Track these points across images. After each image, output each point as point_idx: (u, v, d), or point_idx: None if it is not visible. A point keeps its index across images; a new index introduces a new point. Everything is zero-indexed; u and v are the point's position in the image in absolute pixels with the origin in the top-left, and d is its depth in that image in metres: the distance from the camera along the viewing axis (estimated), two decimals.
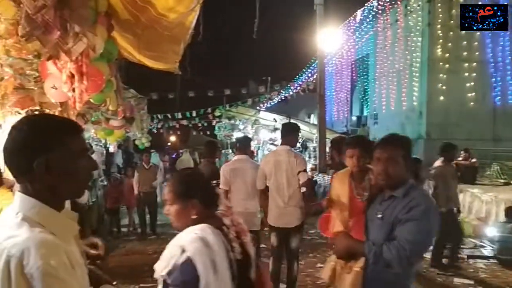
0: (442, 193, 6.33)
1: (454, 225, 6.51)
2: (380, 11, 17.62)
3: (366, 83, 21.01)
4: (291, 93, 22.38)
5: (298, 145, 15.68)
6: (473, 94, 15.30)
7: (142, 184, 8.89)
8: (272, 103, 25.17)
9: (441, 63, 15.21)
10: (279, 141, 6.32)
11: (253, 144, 15.03)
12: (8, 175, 3.01)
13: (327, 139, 12.36)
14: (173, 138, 30.77)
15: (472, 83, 15.28)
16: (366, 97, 21.09)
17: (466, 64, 15.33)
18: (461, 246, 7.28)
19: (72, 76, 3.19)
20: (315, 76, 17.30)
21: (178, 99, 22.54)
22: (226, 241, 1.88)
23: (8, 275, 1.09)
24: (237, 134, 19.97)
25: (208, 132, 26.80)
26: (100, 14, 3.72)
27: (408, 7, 16.36)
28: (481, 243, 7.59)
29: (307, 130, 16.69)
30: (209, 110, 21.82)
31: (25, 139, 1.23)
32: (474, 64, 15.36)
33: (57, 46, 2.67)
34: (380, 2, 17.18)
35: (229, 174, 5.15)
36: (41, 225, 1.19)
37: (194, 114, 22.51)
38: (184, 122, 23.66)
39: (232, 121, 21.61)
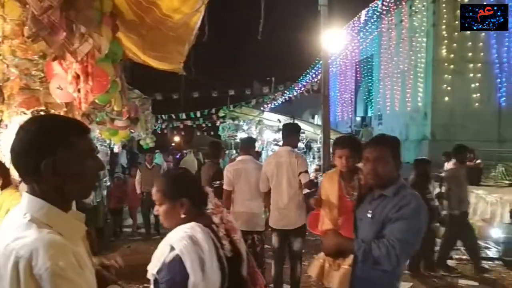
0: (455, 195, 6.26)
1: (467, 227, 6.43)
2: (384, 12, 17.60)
3: (370, 84, 20.98)
4: (295, 93, 22.35)
5: (302, 145, 15.67)
6: (478, 95, 15.26)
7: (144, 184, 8.89)
8: (276, 104, 25.17)
9: (446, 64, 15.17)
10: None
11: (257, 145, 15.01)
12: (14, 175, 3.03)
13: (331, 140, 12.35)
14: (177, 139, 30.79)
15: (477, 84, 15.23)
16: (371, 97, 21.07)
17: (471, 65, 15.28)
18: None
19: (78, 76, 3.20)
20: (319, 77, 17.27)
21: (182, 99, 22.56)
22: (216, 239, 1.90)
23: (17, 276, 1.09)
24: (241, 135, 19.97)
25: (212, 133, 26.82)
26: (105, 15, 3.73)
27: (413, 8, 16.34)
28: (486, 244, 7.55)
29: (311, 130, 16.68)
30: (213, 110, 21.85)
31: (32, 140, 1.23)
32: (479, 65, 15.31)
33: (63, 47, 2.68)
34: (384, 3, 17.15)
35: (233, 175, 5.15)
36: (48, 226, 1.19)
37: (198, 114, 22.54)
38: (188, 123, 23.70)
39: (236, 122, 21.62)
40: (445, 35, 14.94)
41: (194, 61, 5.77)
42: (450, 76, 15.13)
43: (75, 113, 4.01)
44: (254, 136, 16.50)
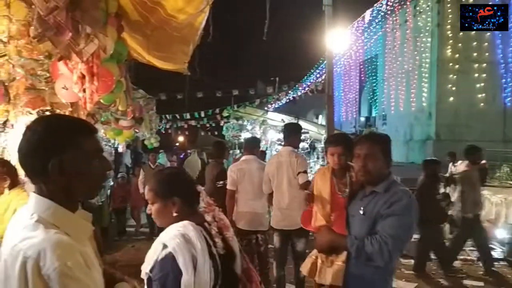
0: (469, 198, 6.17)
1: (480, 230, 6.34)
2: (389, 12, 17.57)
3: (374, 84, 20.94)
4: (299, 93, 22.34)
5: (307, 146, 15.65)
6: (483, 95, 15.20)
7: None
8: (280, 104, 25.18)
9: (450, 64, 15.13)
10: None
11: (261, 145, 15.00)
12: (22, 174, 3.05)
13: None
14: (181, 138, 30.85)
15: (482, 84, 15.18)
16: (375, 98, 21.02)
17: (476, 65, 15.23)
18: (472, 249, 7.23)
19: (83, 76, 3.22)
20: (323, 77, 17.26)
21: (186, 99, 22.60)
22: (208, 237, 1.92)
23: (25, 277, 1.10)
24: (245, 135, 19.97)
25: (216, 133, 26.85)
26: (110, 15, 3.74)
27: (417, 8, 16.30)
28: (491, 245, 7.52)
29: (315, 130, 16.65)
30: (217, 110, 21.87)
31: (39, 141, 1.23)
32: (484, 65, 15.26)
33: (69, 47, 2.70)
34: (389, 3, 17.12)
35: (236, 175, 5.15)
36: (55, 226, 1.19)
37: (202, 114, 22.58)
38: (193, 123, 23.74)
39: (240, 122, 21.63)
40: (450, 35, 14.89)
41: (199, 61, 5.79)
42: (455, 76, 15.09)
43: (80, 113, 4.02)
44: (258, 136, 16.50)
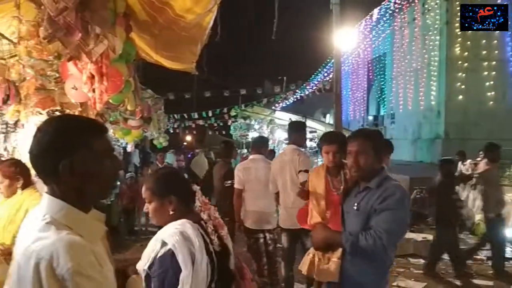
0: (492, 197, 6.04)
1: (501, 230, 6.21)
2: (397, 10, 17.47)
3: (383, 82, 20.84)
4: (306, 92, 22.30)
5: (314, 144, 15.63)
6: (493, 93, 15.08)
7: None
8: (288, 103, 25.16)
9: (459, 62, 15.02)
10: None
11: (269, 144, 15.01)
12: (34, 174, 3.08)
13: None
14: (189, 138, 30.95)
15: (492, 82, 15.06)
16: (383, 96, 20.92)
17: (485, 63, 15.11)
18: (481, 248, 7.18)
19: (92, 77, 3.23)
20: (331, 76, 17.22)
21: (194, 99, 22.65)
22: (205, 234, 1.99)
23: (38, 278, 1.10)
24: (252, 134, 20.00)
25: (223, 132, 26.90)
26: (118, 15, 3.76)
27: (426, 6, 16.20)
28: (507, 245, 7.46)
29: (323, 129, 16.62)
30: (225, 110, 21.90)
31: (49, 141, 1.23)
32: (494, 63, 15.14)
33: (79, 48, 2.72)
34: (397, 1, 17.03)
35: (243, 174, 5.16)
36: (68, 227, 1.19)
37: (210, 114, 22.62)
38: (200, 122, 23.80)
39: (248, 121, 21.65)
40: (459, 33, 14.77)
41: (206, 60, 5.79)
42: (464, 74, 14.98)
43: (89, 113, 4.05)
44: (265, 135, 16.50)
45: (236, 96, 22.95)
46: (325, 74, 21.07)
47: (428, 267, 6.16)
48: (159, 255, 1.88)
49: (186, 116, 23.39)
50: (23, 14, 3.78)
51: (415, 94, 16.91)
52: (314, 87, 21.81)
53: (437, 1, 15.51)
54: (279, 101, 25.06)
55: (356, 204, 2.59)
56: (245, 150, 18.59)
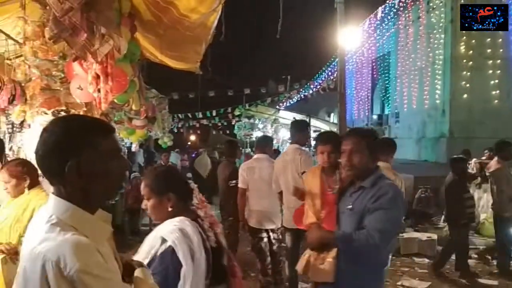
0: (507, 195, 5.90)
1: (510, 230, 6.07)
2: (401, 8, 17.41)
3: (387, 81, 20.79)
4: (311, 91, 22.26)
5: None
6: (497, 91, 15.00)
7: None
8: (292, 102, 25.14)
9: (464, 61, 14.94)
10: None
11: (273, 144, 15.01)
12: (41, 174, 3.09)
13: None
14: (193, 138, 30.99)
15: (496, 81, 14.98)
16: (387, 95, 20.86)
17: (490, 62, 15.02)
18: (486, 247, 7.16)
19: (98, 76, 3.25)
20: (335, 75, 17.19)
21: (199, 98, 22.66)
22: (202, 231, 2.03)
23: (46, 279, 1.10)
24: (256, 133, 20.00)
25: (227, 131, 26.93)
26: (123, 16, 3.78)
27: (431, 4, 16.13)
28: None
29: (328, 129, 16.60)
30: (229, 109, 21.90)
31: (56, 142, 1.22)
32: (498, 61, 15.05)
33: (84, 48, 2.73)
34: None
35: (247, 173, 5.17)
36: (74, 228, 1.18)
37: (214, 113, 22.64)
38: (204, 122, 23.82)
39: (252, 120, 21.66)
40: (463, 31, 14.70)
41: (211, 60, 5.80)
42: (468, 73, 14.91)
43: (94, 113, 4.07)
44: (269, 135, 16.50)
45: (240, 96, 22.97)
46: (329, 73, 21.02)
47: (436, 265, 6.13)
48: (159, 252, 1.91)
49: (190, 116, 23.41)
50: (29, 15, 3.80)
51: (420, 93, 16.85)
52: (318, 86, 21.77)
53: (442, 0, 15.44)
54: (283, 100, 25.05)
55: (350, 203, 2.59)
56: (248, 149, 18.59)
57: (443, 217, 8.67)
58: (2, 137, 4.61)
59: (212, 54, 5.69)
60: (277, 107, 23.76)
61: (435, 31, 15.77)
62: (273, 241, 5.01)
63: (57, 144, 1.22)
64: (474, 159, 9.04)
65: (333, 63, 19.33)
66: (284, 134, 19.34)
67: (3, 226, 3.05)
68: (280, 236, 5.07)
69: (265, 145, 5.52)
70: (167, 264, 1.88)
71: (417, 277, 5.99)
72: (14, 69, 4.23)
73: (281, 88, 24.49)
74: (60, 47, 3.81)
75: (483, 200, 8.36)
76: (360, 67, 23.64)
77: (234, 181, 5.67)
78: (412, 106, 17.51)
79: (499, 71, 15.00)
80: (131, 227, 9.23)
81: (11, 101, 4.02)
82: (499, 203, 6.05)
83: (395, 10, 17.72)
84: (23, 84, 4.09)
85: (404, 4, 17.06)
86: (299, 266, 3.00)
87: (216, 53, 6.00)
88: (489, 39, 14.82)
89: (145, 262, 1.87)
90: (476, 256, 6.80)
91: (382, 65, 21.26)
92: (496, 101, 14.99)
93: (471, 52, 14.91)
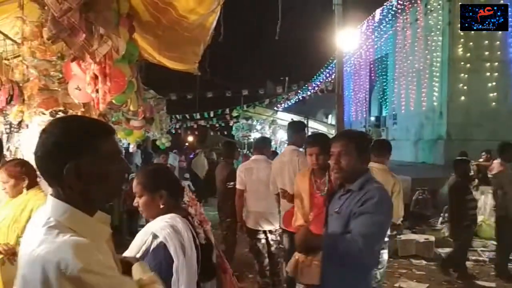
0: (510, 197, 5.86)
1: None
2: (399, 11, 17.43)
3: (385, 83, 20.80)
4: (308, 93, 22.28)
5: None
6: (495, 94, 15.04)
7: None
8: (290, 103, 25.15)
9: (462, 63, 14.97)
10: None
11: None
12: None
13: None
14: (190, 138, 30.97)
15: (494, 83, 15.01)
16: (385, 97, 20.88)
17: (488, 64, 15.06)
18: (483, 249, 7.17)
19: (96, 77, 3.25)
20: (333, 76, 17.20)
21: (197, 99, 22.67)
22: (192, 228, 2.09)
23: (47, 281, 1.09)
24: (254, 135, 20.02)
25: (225, 133, 26.93)
26: (121, 16, 3.77)
27: (428, 6, 16.15)
28: None
29: (325, 130, 16.65)
30: (227, 110, 21.90)
31: (54, 144, 1.20)
32: (496, 63, 15.09)
33: (83, 48, 2.73)
34: (399, 1, 16.99)
35: (244, 174, 5.18)
36: (72, 230, 1.17)
37: (212, 114, 22.63)
38: (202, 123, 23.81)
39: (250, 122, 21.67)
40: (461, 33, 14.71)
41: (209, 61, 5.80)
42: (466, 75, 14.93)
43: (92, 113, 4.06)
44: (267, 136, 16.50)
45: (238, 97, 22.99)
46: (327, 75, 21.03)
47: (461, 271, 6.05)
48: (152, 247, 1.96)
49: (188, 117, 23.40)
50: (27, 15, 3.80)
51: (417, 95, 16.88)
52: (316, 88, 21.79)
53: (440, 2, 15.47)
54: (281, 102, 25.05)
55: (338, 206, 2.57)
56: (245, 151, 18.58)
57: (440, 218, 8.70)
58: (0, 138, 4.60)
59: (210, 55, 5.69)
60: (275, 108, 23.78)
61: (432, 33, 15.80)
62: (271, 242, 5.00)
63: (56, 146, 1.20)
64: (471, 161, 9.05)
65: (331, 65, 19.34)
66: (282, 135, 19.37)
67: (1, 226, 3.04)
68: (278, 238, 5.06)
69: (263, 146, 5.52)
70: (160, 260, 1.91)
71: (414, 279, 6.00)
72: (12, 69, 4.23)
73: (279, 89, 24.50)
74: (58, 47, 3.80)
75: (480, 202, 8.37)
76: (358, 69, 23.63)
77: (232, 183, 5.66)
78: (410, 108, 17.53)
79: (496, 74, 15.04)
80: (129, 228, 9.21)
81: (9, 101, 4.01)
82: (503, 205, 6.02)
83: (393, 12, 17.75)
84: (21, 84, 4.08)
85: (402, 6, 17.09)
86: (289, 268, 3.04)
87: (215, 54, 6.01)
88: (487, 42, 14.86)
89: (137, 256, 1.92)
90: (474, 258, 6.82)
91: (380, 67, 21.27)
92: (493, 103, 15.02)
93: (468, 54, 14.95)
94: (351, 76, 23.86)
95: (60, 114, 3.99)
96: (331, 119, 25.05)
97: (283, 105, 25.17)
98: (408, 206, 8.95)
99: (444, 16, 15.25)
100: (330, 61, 19.15)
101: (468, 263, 6.44)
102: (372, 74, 22.49)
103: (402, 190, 4.53)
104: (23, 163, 3.22)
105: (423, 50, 16.49)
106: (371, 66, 22.36)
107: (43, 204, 1.29)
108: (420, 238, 7.34)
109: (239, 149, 11.16)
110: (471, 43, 14.85)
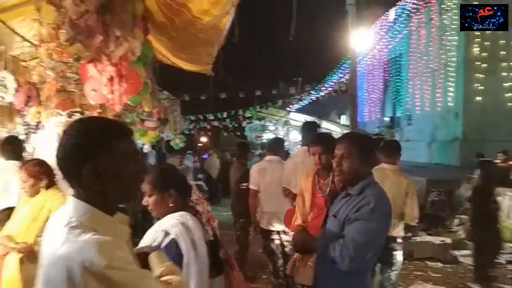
0: None
1: None
2: (414, 10, 17.28)
3: (399, 84, 20.62)
4: (322, 93, 22.19)
5: None
6: (511, 94, 14.83)
7: None
8: (303, 104, 25.09)
9: (477, 63, 14.78)
10: None
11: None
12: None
13: None
14: (203, 139, 31.08)
15: (510, 83, 14.80)
16: (399, 97, 20.70)
17: (504, 64, 14.84)
18: (501, 252, 7.05)
19: (112, 78, 3.28)
20: (346, 77, 17.13)
21: (211, 100, 22.74)
22: (201, 225, 2.16)
23: (72, 280, 1.11)
24: (267, 135, 20.02)
25: (238, 133, 26.95)
26: (137, 18, 3.80)
27: (443, 6, 15.98)
28: None
29: (338, 131, 16.57)
30: (240, 111, 21.93)
31: (74, 145, 1.23)
32: None
33: (99, 50, 2.76)
34: (414, 1, 16.84)
35: (258, 174, 5.18)
36: (94, 230, 1.19)
37: (225, 115, 22.68)
38: (215, 123, 23.88)
39: (262, 122, 21.68)
40: (477, 33, 14.53)
41: (222, 62, 5.82)
42: (482, 75, 14.74)
43: (107, 114, 4.10)
44: (280, 137, 16.48)
45: (251, 98, 23.00)
46: (341, 75, 20.94)
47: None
48: (163, 244, 1.99)
49: (201, 118, 23.49)
50: (44, 17, 3.85)
51: (432, 95, 16.70)
52: (330, 88, 21.70)
53: (455, 1, 15.30)
54: (294, 102, 25.01)
55: (337, 209, 2.54)
56: (257, 152, 18.59)
57: (456, 220, 8.58)
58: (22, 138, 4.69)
59: (224, 56, 5.71)
60: (288, 109, 23.74)
61: (447, 33, 15.63)
62: (285, 243, 4.99)
63: (75, 147, 1.23)
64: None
65: (344, 65, 19.25)
66: (295, 136, 19.33)
67: (20, 225, 3.09)
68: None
69: (277, 147, 5.51)
70: (172, 256, 1.90)
71: (430, 281, 5.94)
72: (29, 71, 4.29)
73: (292, 90, 24.50)
74: (74, 49, 3.84)
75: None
76: (372, 69, 23.48)
77: (245, 184, 5.66)
78: (425, 109, 17.36)
79: None
80: (143, 227, 9.27)
81: (27, 103, 4.07)
82: None
83: (407, 12, 17.60)
84: (38, 86, 4.14)
85: (417, 6, 16.94)
86: (289, 267, 3.05)
87: (228, 55, 6.02)
88: (502, 41, 14.65)
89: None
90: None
91: (394, 67, 21.11)
92: (510, 103, 14.80)
93: (484, 54, 14.75)
94: (364, 76, 23.72)
95: (77, 115, 4.04)
96: (345, 120, 24.94)
97: (296, 105, 25.12)
98: (423, 207, 8.88)
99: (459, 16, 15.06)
100: (344, 61, 19.06)
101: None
102: (386, 75, 22.32)
103: (416, 191, 4.48)
104: (41, 163, 3.28)
105: (437, 50, 16.32)
106: (385, 66, 22.19)
107: (61, 204, 1.32)
108: (436, 240, 7.26)
109: (252, 150, 11.18)
110: (486, 43, 14.66)
